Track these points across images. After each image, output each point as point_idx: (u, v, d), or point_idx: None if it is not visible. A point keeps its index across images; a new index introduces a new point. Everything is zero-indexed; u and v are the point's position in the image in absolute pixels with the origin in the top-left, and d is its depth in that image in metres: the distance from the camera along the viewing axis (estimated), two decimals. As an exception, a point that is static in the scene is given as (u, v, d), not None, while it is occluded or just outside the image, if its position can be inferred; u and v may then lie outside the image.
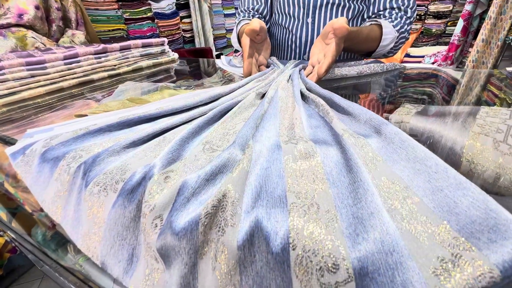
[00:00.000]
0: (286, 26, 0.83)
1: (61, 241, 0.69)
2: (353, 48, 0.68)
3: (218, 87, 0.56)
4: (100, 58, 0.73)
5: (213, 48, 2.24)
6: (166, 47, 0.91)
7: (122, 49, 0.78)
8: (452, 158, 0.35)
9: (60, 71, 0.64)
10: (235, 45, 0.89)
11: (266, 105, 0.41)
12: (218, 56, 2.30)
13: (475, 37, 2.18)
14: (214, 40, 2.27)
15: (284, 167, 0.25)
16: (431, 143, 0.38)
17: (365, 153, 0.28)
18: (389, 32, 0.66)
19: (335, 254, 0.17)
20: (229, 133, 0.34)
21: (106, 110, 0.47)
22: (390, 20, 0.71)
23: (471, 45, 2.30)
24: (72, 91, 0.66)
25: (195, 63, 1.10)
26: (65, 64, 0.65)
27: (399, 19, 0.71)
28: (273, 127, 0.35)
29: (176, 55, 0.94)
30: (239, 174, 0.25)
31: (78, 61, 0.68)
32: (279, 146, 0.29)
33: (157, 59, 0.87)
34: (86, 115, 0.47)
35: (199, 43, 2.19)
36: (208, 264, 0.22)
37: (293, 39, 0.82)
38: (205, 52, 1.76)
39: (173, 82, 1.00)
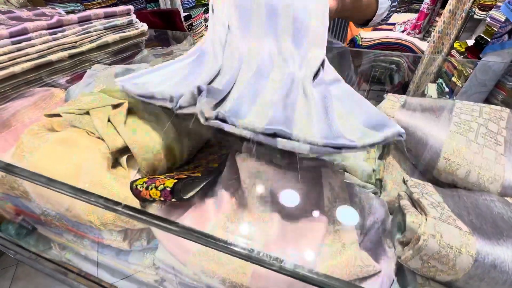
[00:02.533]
0: None
1: (41, 237, 0.66)
2: (353, 15, 0.67)
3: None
4: (55, 33, 0.61)
5: (181, 9, 1.99)
6: (133, 17, 0.79)
7: (81, 21, 0.66)
8: (432, 156, 0.39)
9: (7, 52, 0.53)
10: None
11: None
12: (186, 19, 2.06)
13: (442, 6, 2.23)
14: (181, -1, 2.02)
15: None
16: (414, 141, 0.42)
17: None
18: (384, 1, 0.66)
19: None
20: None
21: (80, 108, 0.42)
22: None
23: (438, 14, 2.37)
24: (28, 76, 0.56)
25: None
26: (13, 43, 0.54)
27: None
28: None
29: (145, 27, 0.83)
30: None
31: (29, 39, 0.57)
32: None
33: (124, 32, 0.76)
34: (59, 115, 0.41)
35: (163, 1, 1.93)
36: None
37: None
38: (172, 15, 1.56)
39: (142, 52, 0.90)
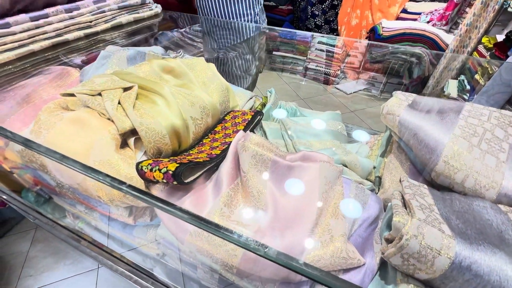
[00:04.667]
0: None
1: (57, 206, 0.72)
2: None
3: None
4: (71, 11, 0.63)
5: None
6: (147, -3, 0.79)
7: (95, 0, 0.67)
8: (432, 157, 0.39)
9: (26, 29, 0.56)
10: None
11: None
12: None
13: (474, -4, 2.08)
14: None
15: None
16: (416, 142, 0.42)
17: None
18: None
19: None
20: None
21: (93, 89, 0.44)
22: None
23: (469, 5, 2.22)
24: (46, 54, 0.59)
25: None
26: (31, 19, 0.56)
27: None
28: None
29: (159, 8, 0.83)
30: None
31: (46, 16, 0.59)
32: None
33: (138, 13, 0.77)
34: (73, 95, 0.43)
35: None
36: None
37: None
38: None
39: (155, 34, 0.90)
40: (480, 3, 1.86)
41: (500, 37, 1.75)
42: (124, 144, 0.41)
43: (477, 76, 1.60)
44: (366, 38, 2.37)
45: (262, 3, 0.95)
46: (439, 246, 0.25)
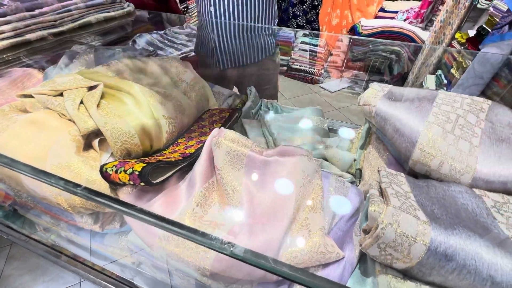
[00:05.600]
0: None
1: (25, 218, 0.67)
2: None
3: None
4: (32, 10, 0.59)
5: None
6: (118, -5, 0.76)
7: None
8: (408, 146, 0.39)
9: (-18, 29, 0.51)
10: None
11: None
12: (182, 0, 1.99)
13: (446, -6, 2.16)
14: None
15: None
16: (393, 131, 0.41)
17: None
18: None
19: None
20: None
21: (54, 89, 0.41)
22: None
23: (442, 3, 2.31)
24: (4, 56, 0.55)
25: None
26: (-13, 19, 0.52)
27: None
28: None
29: (132, 7, 0.80)
30: None
31: (4, 14, 0.55)
32: None
33: (109, 11, 0.74)
34: (31, 96, 0.40)
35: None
36: None
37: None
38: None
39: (129, 34, 0.87)
40: (451, 1, 1.94)
41: (472, 33, 1.83)
42: (89, 147, 0.39)
43: (452, 70, 1.66)
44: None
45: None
46: (414, 233, 0.24)
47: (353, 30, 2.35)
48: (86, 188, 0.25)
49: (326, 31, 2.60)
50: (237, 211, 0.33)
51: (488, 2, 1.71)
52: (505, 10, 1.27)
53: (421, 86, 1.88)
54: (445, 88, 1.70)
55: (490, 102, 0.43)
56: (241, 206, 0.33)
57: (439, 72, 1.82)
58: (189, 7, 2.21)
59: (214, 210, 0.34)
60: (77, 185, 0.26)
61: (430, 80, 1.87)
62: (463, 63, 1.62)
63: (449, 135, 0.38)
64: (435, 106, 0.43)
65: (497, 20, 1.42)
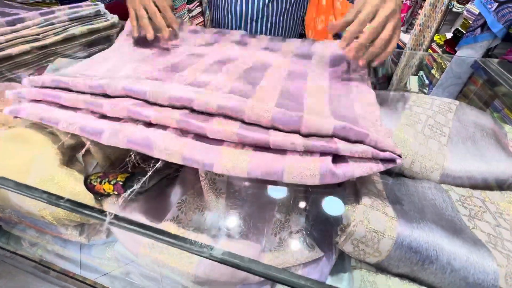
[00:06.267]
0: None
1: (10, 234, 0.65)
2: None
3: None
4: (14, 24, 0.59)
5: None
6: (101, 7, 0.77)
7: (43, 13, 0.64)
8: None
9: (-38, 45, 0.51)
10: None
11: None
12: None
13: (424, -1, 2.26)
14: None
15: None
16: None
17: None
18: None
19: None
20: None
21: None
22: None
23: (421, 7, 2.41)
24: (-14, 71, 0.55)
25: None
26: (-33, 35, 0.52)
27: None
28: None
29: (116, 18, 0.81)
30: None
31: (-16, 29, 0.55)
32: None
33: (92, 24, 0.74)
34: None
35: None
36: None
37: (229, 9, 0.78)
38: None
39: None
40: (428, 5, 2.03)
41: (449, 35, 1.91)
42: (74, 159, 0.39)
43: (433, 71, 1.73)
44: (332, 41, 2.48)
45: None
46: (382, 229, 0.25)
47: (337, 35, 2.41)
48: (68, 200, 0.26)
49: (312, 36, 2.66)
50: (221, 217, 0.34)
51: (462, 6, 1.80)
52: (477, 13, 1.34)
53: (404, 87, 1.94)
54: (427, 88, 1.76)
55: (457, 102, 0.46)
56: (225, 213, 0.35)
57: (421, 73, 1.89)
58: (176, 16, 2.22)
59: (196, 217, 0.35)
60: (60, 198, 0.26)
61: (413, 81, 1.93)
62: (442, 64, 1.69)
63: (420, 135, 0.40)
64: (407, 108, 0.45)
65: (471, 23, 1.49)
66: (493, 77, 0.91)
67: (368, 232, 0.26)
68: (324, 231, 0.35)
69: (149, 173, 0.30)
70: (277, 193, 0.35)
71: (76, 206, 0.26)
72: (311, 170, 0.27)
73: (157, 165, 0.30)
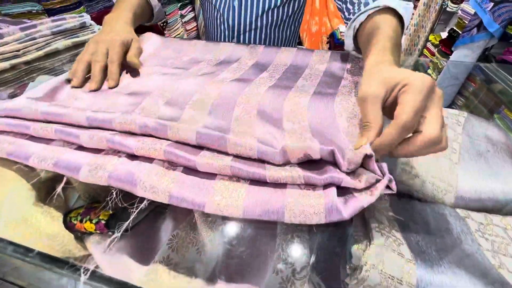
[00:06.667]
0: (214, 3, 0.75)
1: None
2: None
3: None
4: (-8, 41, 0.55)
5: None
6: (87, 18, 0.73)
7: (23, 28, 0.60)
8: (390, 166, 0.38)
9: None
10: None
11: None
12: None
13: (418, -1, 2.25)
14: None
15: None
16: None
17: None
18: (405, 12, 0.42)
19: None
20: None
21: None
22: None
23: (415, 7, 2.40)
24: (-39, 91, 0.51)
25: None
26: None
27: None
28: None
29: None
30: None
31: (-42, 48, 0.51)
32: None
33: (78, 36, 0.71)
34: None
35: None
36: None
37: (222, 20, 0.75)
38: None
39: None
40: (422, 5, 2.02)
41: (444, 34, 1.90)
42: (51, 194, 0.35)
43: (429, 71, 1.72)
44: (327, 43, 2.47)
45: None
46: (400, 274, 0.22)
47: (332, 37, 2.39)
48: (39, 253, 0.23)
49: (306, 38, 2.64)
50: (213, 259, 0.31)
51: (456, 6, 1.79)
52: (473, 13, 1.33)
53: (401, 87, 1.91)
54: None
55: (465, 114, 0.43)
56: (217, 253, 0.31)
57: (417, 73, 1.88)
58: (168, 22, 2.20)
59: (189, 256, 0.31)
60: (29, 250, 0.23)
61: (409, 81, 1.92)
62: (438, 64, 1.68)
63: (429, 153, 0.37)
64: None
65: (466, 22, 1.48)
66: (491, 77, 0.90)
67: (383, 278, 0.23)
68: (331, 268, 0.32)
69: (133, 215, 0.26)
70: (278, 226, 0.32)
71: (46, 261, 0.22)
72: (315, 207, 0.24)
73: (142, 205, 0.26)
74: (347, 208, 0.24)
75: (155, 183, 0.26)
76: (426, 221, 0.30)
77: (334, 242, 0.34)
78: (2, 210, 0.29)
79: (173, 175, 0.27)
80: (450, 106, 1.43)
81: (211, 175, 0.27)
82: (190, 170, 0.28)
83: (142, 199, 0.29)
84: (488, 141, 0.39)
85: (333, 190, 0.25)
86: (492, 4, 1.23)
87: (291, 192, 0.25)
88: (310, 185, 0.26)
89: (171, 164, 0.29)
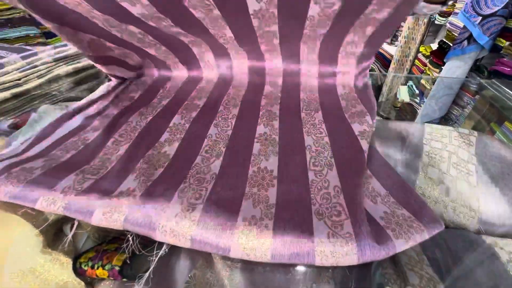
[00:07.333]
0: None
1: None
2: None
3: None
4: (-8, 71, 0.54)
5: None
6: (89, 44, 0.73)
7: (24, 57, 0.60)
8: (407, 188, 0.37)
9: None
10: None
11: None
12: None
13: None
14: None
15: None
16: (389, 172, 0.40)
17: None
18: None
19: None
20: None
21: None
22: None
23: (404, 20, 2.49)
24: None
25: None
26: None
27: None
28: None
29: (104, 54, 0.77)
30: None
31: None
32: None
33: (79, 62, 0.70)
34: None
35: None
36: None
37: None
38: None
39: (103, 82, 0.83)
40: (411, 18, 2.09)
41: (434, 46, 1.97)
42: (60, 236, 0.33)
43: (423, 81, 1.75)
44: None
45: None
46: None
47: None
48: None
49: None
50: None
51: (444, 19, 1.86)
52: (462, 26, 1.37)
53: (396, 97, 1.96)
54: (418, 98, 1.78)
55: (476, 133, 0.43)
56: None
57: (410, 83, 1.92)
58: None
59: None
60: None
61: (403, 91, 1.95)
62: (431, 75, 1.72)
63: (447, 177, 0.37)
64: (425, 144, 0.42)
65: (456, 35, 1.53)
66: (485, 87, 0.92)
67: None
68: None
69: (153, 264, 0.25)
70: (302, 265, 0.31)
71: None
72: (346, 249, 0.23)
73: (162, 252, 0.25)
74: (381, 248, 0.23)
75: (174, 227, 0.25)
76: (454, 254, 0.29)
77: (358, 276, 0.32)
78: (7, 260, 0.27)
79: (193, 215, 0.26)
80: (446, 115, 1.46)
81: (232, 212, 0.26)
82: (210, 205, 0.27)
83: (159, 243, 0.28)
84: (502, 161, 0.39)
85: (365, 229, 0.24)
86: (480, 18, 1.27)
87: (319, 230, 0.24)
88: (338, 225, 0.25)
89: (190, 204, 0.27)
